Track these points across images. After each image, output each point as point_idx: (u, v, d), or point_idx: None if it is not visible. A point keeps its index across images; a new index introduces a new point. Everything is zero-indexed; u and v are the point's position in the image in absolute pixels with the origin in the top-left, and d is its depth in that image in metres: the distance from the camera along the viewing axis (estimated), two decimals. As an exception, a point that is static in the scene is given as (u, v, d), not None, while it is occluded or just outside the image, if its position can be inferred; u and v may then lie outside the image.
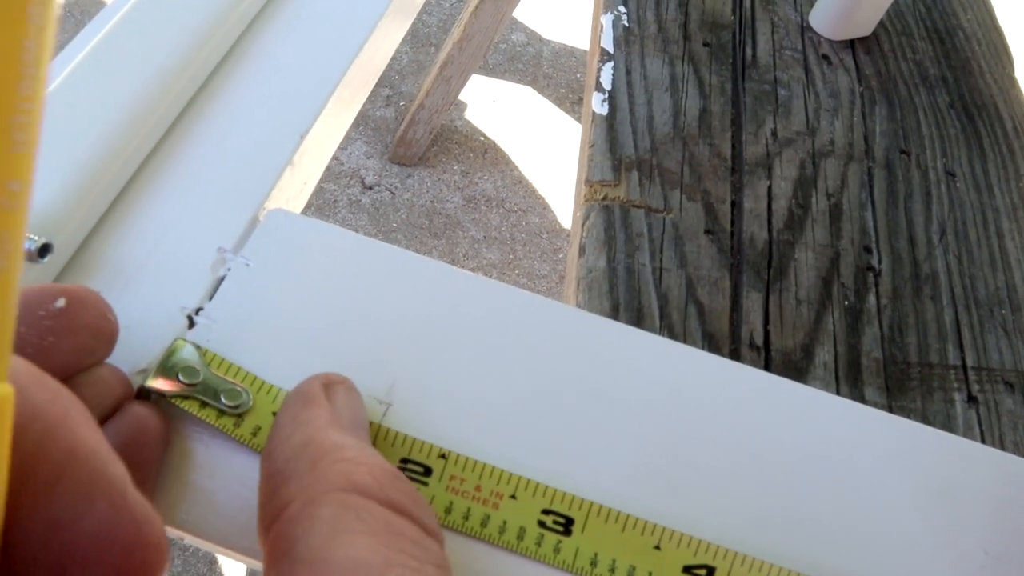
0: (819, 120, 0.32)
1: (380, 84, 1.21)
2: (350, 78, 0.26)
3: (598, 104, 0.31)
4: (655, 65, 0.32)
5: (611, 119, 0.30)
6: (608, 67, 0.32)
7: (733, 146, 0.31)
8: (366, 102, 1.19)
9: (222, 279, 0.21)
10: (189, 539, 0.18)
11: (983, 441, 0.25)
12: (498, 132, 1.21)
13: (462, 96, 1.19)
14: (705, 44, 0.33)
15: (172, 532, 0.18)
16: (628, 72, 0.32)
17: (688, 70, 0.32)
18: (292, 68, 0.25)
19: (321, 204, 1.08)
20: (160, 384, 0.18)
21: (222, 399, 0.18)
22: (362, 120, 1.17)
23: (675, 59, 0.33)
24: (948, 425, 0.26)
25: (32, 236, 0.18)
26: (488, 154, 1.19)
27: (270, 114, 0.24)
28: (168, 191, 0.22)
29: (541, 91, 1.26)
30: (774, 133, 0.31)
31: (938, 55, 0.36)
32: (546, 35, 1.32)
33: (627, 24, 0.33)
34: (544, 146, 1.20)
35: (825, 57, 0.34)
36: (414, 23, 1.28)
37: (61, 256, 0.20)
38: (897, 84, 0.34)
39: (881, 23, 0.36)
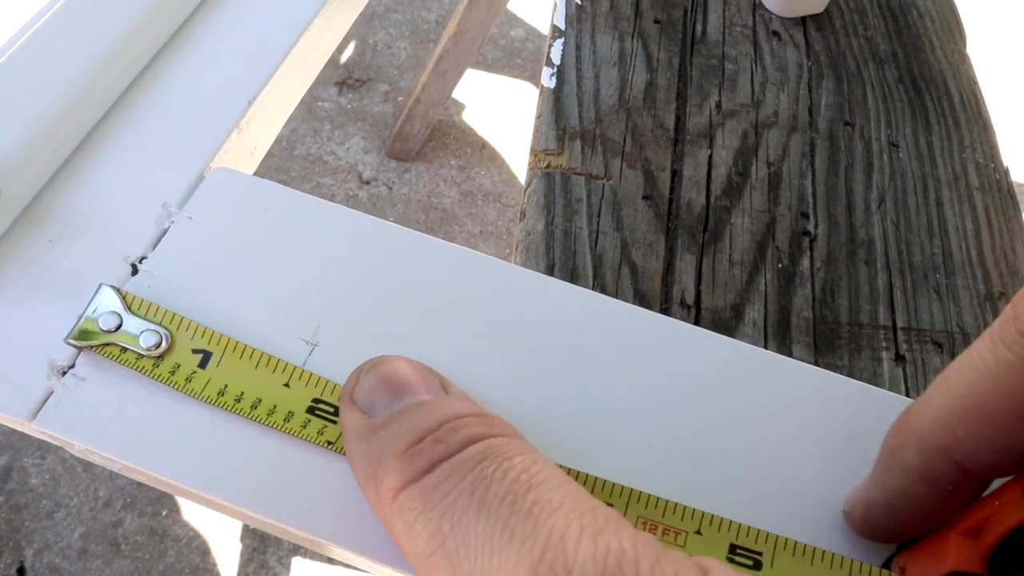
0: (764, 93, 0.33)
1: (378, 80, 1.23)
2: (300, 50, 0.27)
3: (546, 78, 0.32)
4: (605, 41, 0.33)
5: (558, 92, 0.31)
6: (559, 43, 0.33)
7: (677, 118, 0.32)
8: (364, 98, 1.21)
9: (166, 231, 0.22)
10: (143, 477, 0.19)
11: (908, 397, 0.26)
12: (495, 127, 1.22)
13: (459, 91, 1.20)
14: (656, 21, 0.34)
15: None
16: (578, 48, 0.33)
17: (637, 46, 0.33)
18: (243, 38, 0.26)
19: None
20: (81, 339, 0.19)
21: (140, 343, 0.19)
22: (360, 115, 1.19)
23: (625, 35, 0.34)
24: (874, 381, 0.27)
25: (-23, 181, 0.19)
26: (485, 149, 1.20)
27: (219, 81, 0.25)
28: (119, 150, 0.24)
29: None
30: (718, 105, 0.32)
31: (890, 31, 0.36)
32: (545, 31, 1.33)
33: (580, 2, 0.34)
34: (541, 141, 1.21)
35: (775, 33, 0.35)
36: (412, 19, 1.29)
37: (15, 206, 0.22)
38: (846, 59, 0.35)
39: (835, 0, 0.37)
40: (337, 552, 0.20)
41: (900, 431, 0.17)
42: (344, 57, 1.24)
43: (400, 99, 1.22)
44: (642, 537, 0.12)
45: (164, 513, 0.93)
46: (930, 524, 0.17)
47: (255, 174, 0.26)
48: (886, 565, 0.19)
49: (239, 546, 0.92)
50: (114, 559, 0.90)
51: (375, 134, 1.18)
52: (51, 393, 0.19)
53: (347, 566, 0.92)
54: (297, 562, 0.92)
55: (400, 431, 0.16)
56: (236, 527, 0.93)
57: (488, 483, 0.14)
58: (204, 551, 0.91)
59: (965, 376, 0.15)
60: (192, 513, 0.93)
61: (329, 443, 0.19)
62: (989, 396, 0.14)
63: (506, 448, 0.15)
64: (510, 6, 1.32)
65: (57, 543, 0.90)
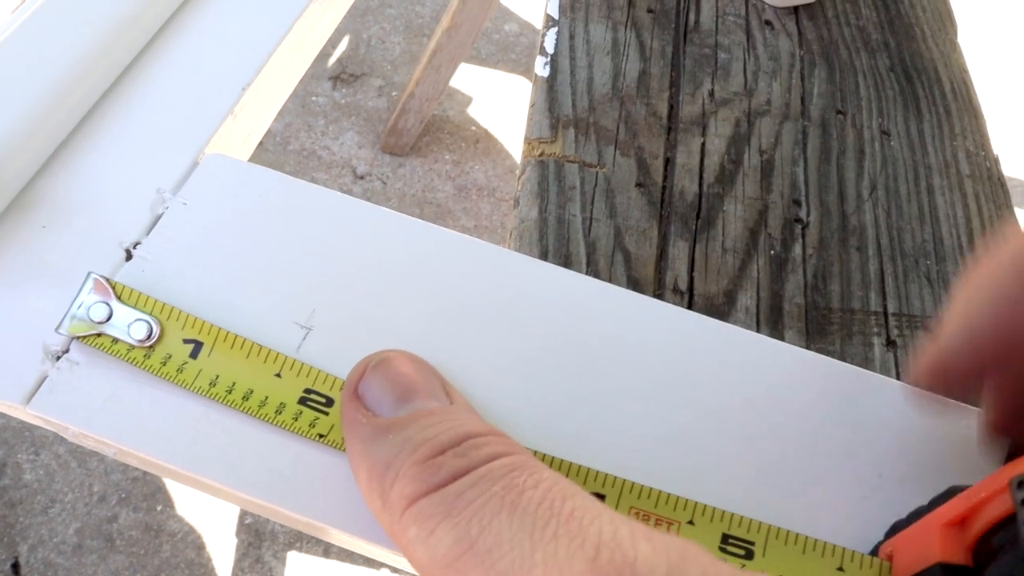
0: (757, 82, 0.33)
1: (372, 74, 1.22)
2: (294, 37, 0.27)
3: (540, 67, 0.32)
4: (598, 30, 0.33)
5: (552, 80, 0.31)
6: (552, 32, 0.33)
7: (670, 106, 0.32)
8: (358, 92, 1.21)
9: (160, 217, 0.22)
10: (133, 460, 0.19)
11: (899, 381, 0.26)
12: (490, 122, 1.22)
13: (454, 86, 1.20)
14: (649, 10, 0.34)
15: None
16: (571, 37, 0.33)
17: (630, 35, 0.33)
18: (237, 24, 0.26)
19: (314, 192, 1.10)
20: (71, 330, 0.19)
21: (129, 333, 0.19)
22: (354, 110, 1.18)
23: (618, 25, 0.34)
24: (865, 366, 0.27)
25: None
26: (480, 144, 1.20)
27: (213, 67, 0.25)
28: (113, 136, 0.24)
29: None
30: (711, 94, 0.32)
31: (882, 21, 0.37)
32: (539, 26, 1.33)
33: (573, -9, 0.34)
34: (536, 136, 1.21)
35: (768, 23, 0.35)
36: (406, 13, 1.29)
37: (8, 192, 0.22)
38: (839, 48, 0.35)
39: (827, -9, 0.37)
40: (335, 535, 0.20)
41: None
42: (338, 52, 1.24)
43: (394, 94, 1.21)
44: (691, 541, 0.13)
45: (159, 508, 0.92)
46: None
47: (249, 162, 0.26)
48: (874, 552, 0.19)
49: (234, 541, 0.92)
50: (109, 554, 0.90)
51: (369, 129, 1.18)
52: (45, 378, 0.19)
53: (342, 560, 0.92)
54: (292, 556, 0.92)
55: (415, 440, 0.16)
56: (232, 522, 0.93)
57: (521, 489, 0.14)
58: (199, 546, 0.91)
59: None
60: (187, 508, 0.93)
61: (320, 435, 0.19)
62: None
63: (532, 464, 0.15)
64: (504, 0, 1.32)
65: (52, 539, 0.90)
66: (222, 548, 0.91)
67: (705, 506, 0.19)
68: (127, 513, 0.91)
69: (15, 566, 0.88)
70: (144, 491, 0.93)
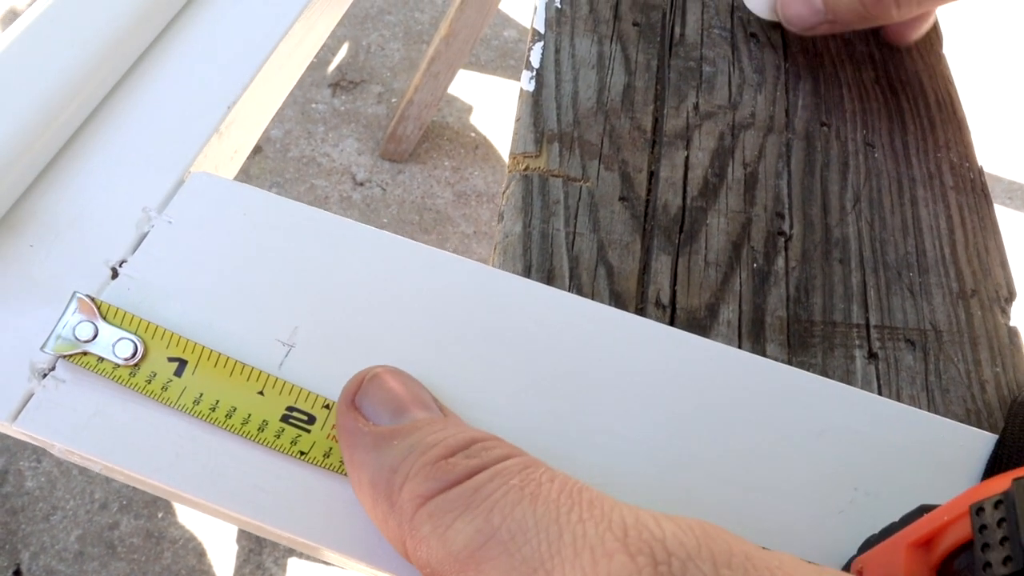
0: (742, 95, 0.33)
1: (371, 81, 1.23)
2: (280, 55, 0.27)
3: (526, 81, 0.32)
4: (584, 44, 0.34)
5: (537, 95, 0.32)
6: (538, 47, 0.33)
7: (655, 120, 0.32)
8: (358, 99, 1.21)
9: (146, 235, 0.23)
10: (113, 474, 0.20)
11: (880, 394, 0.27)
12: (489, 128, 1.23)
13: (453, 92, 1.21)
14: (635, 24, 0.35)
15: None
16: (557, 51, 0.33)
17: (616, 49, 0.34)
18: (222, 43, 0.27)
19: (312, 200, 1.11)
20: (57, 349, 0.20)
21: (115, 352, 0.19)
22: (353, 117, 1.19)
23: (604, 38, 0.34)
24: (847, 379, 0.27)
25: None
26: (479, 150, 1.21)
27: (199, 86, 0.26)
28: (100, 155, 0.24)
29: (532, 88, 1.27)
30: (696, 107, 0.33)
31: (868, 33, 0.37)
32: (538, 32, 1.34)
33: (560, 6, 0.35)
34: (535, 142, 1.21)
35: (753, 35, 0.35)
36: (406, 20, 1.30)
37: (-5, 213, 0.22)
38: (824, 61, 0.35)
39: (813, 4, 0.37)
40: (323, 552, 0.20)
41: None
42: (338, 59, 1.25)
43: (393, 100, 1.22)
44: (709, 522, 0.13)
45: (160, 515, 0.93)
46: None
47: (238, 176, 0.27)
48: (846, 567, 0.19)
49: (235, 548, 0.92)
50: (110, 561, 0.90)
51: (369, 136, 1.19)
52: (32, 395, 0.20)
53: (343, 567, 0.92)
54: (293, 563, 0.92)
55: (424, 443, 0.16)
56: (232, 529, 0.93)
57: (539, 482, 0.14)
58: (200, 553, 0.91)
59: None
60: (188, 515, 0.93)
61: (302, 453, 0.19)
62: None
63: (541, 463, 0.15)
64: (502, 7, 1.32)
65: (54, 546, 0.90)
66: (223, 555, 0.91)
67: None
68: (128, 520, 0.92)
69: (17, 573, 0.88)
70: (145, 498, 0.93)
